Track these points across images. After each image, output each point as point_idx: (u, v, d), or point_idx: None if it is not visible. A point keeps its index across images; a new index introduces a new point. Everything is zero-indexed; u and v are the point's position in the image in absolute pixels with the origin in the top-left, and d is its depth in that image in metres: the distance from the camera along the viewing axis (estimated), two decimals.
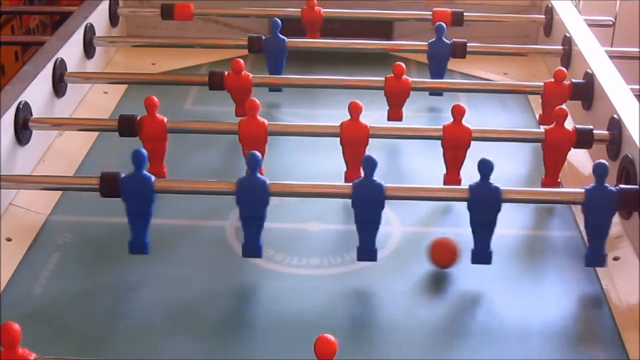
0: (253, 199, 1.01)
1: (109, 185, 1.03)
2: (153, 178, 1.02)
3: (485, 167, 1.01)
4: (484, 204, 1.01)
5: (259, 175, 1.01)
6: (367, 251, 1.03)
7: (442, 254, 1.06)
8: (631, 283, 1.02)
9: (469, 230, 1.03)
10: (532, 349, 0.94)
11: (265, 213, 1.02)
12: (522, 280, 1.06)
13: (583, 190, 1.02)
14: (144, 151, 1.03)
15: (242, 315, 0.99)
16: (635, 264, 1.05)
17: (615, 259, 1.08)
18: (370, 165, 1.00)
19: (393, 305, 1.01)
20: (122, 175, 1.03)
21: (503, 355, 0.93)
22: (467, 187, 1.02)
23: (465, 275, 1.06)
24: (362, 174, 1.00)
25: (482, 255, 1.03)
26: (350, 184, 1.01)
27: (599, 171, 1.01)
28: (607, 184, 1.01)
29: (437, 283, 1.05)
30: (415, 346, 0.95)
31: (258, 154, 1.01)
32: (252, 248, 1.03)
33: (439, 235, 1.08)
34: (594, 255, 1.03)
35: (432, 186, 1.10)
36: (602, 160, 1.02)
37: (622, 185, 1.03)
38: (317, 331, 0.77)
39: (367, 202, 1.00)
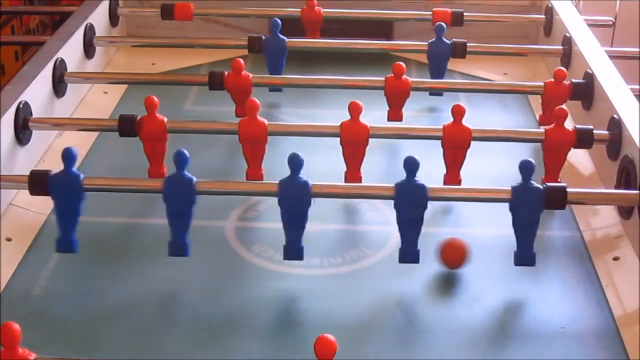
0: (179, 197, 1.01)
1: (38, 184, 1.04)
2: (82, 176, 1.03)
3: (410, 165, 1.01)
4: (411, 201, 1.01)
5: (186, 173, 1.02)
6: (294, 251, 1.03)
7: (452, 255, 1.06)
8: (631, 283, 1.03)
9: (469, 230, 1.03)
10: (532, 349, 0.94)
11: (192, 211, 1.02)
12: (522, 280, 1.06)
13: (510, 189, 1.02)
14: (74, 149, 1.02)
15: (242, 315, 0.99)
16: (635, 264, 1.05)
17: (615, 259, 1.08)
18: (298, 163, 1.01)
19: (393, 305, 1.01)
20: (51, 173, 1.03)
21: (503, 355, 0.93)
22: (393, 185, 1.02)
23: (465, 275, 1.06)
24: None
25: (410, 255, 1.03)
26: (277, 182, 1.02)
27: (525, 169, 1.01)
28: (533, 182, 1.01)
29: (437, 283, 1.05)
30: (415, 346, 0.95)
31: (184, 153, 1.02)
32: (178, 246, 1.03)
33: (439, 236, 1.08)
34: (523, 254, 1.02)
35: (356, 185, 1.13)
36: (528, 159, 1.01)
37: (548, 184, 1.02)
38: (317, 331, 0.77)
39: (294, 199, 1.01)
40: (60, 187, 1.02)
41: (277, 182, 1.01)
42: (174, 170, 1.00)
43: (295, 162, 1.00)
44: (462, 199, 1.08)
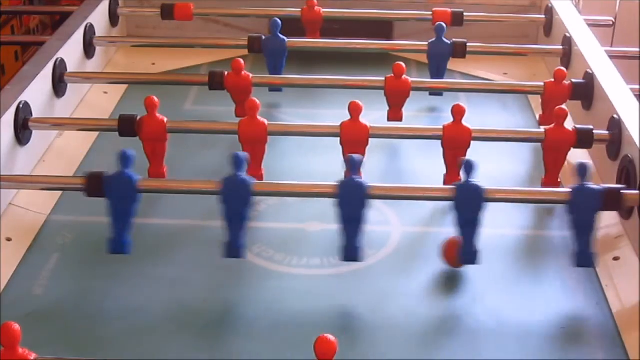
0: (237, 198, 1.01)
1: (94, 185, 1.03)
2: (137, 177, 1.03)
3: (469, 167, 1.01)
4: (469, 203, 1.01)
5: (243, 174, 1.01)
6: (352, 250, 1.02)
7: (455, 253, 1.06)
8: (631, 283, 1.03)
9: None
10: (532, 349, 0.94)
11: (249, 213, 1.02)
12: (522, 280, 1.06)
13: (569, 190, 1.02)
14: (130, 151, 1.03)
15: (242, 315, 0.99)
16: (635, 264, 1.05)
17: (615, 259, 1.08)
18: (355, 164, 1.00)
19: (393, 305, 1.01)
20: (106, 174, 1.03)
21: (503, 355, 0.93)
22: (453, 186, 1.02)
23: (465, 275, 1.06)
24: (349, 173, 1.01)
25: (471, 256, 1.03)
26: (336, 183, 1.01)
27: (582, 171, 1.01)
28: (591, 184, 1.01)
29: (437, 283, 1.05)
30: (415, 346, 0.95)
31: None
32: (235, 249, 1.02)
33: (439, 236, 1.08)
34: (583, 255, 1.02)
35: (420, 186, 1.10)
36: (585, 161, 1.01)
37: (606, 185, 1.02)
38: (317, 331, 0.77)
39: (351, 201, 1.01)
40: (115, 188, 1.03)
41: (335, 183, 1.01)
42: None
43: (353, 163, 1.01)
44: (519, 201, 1.09)
